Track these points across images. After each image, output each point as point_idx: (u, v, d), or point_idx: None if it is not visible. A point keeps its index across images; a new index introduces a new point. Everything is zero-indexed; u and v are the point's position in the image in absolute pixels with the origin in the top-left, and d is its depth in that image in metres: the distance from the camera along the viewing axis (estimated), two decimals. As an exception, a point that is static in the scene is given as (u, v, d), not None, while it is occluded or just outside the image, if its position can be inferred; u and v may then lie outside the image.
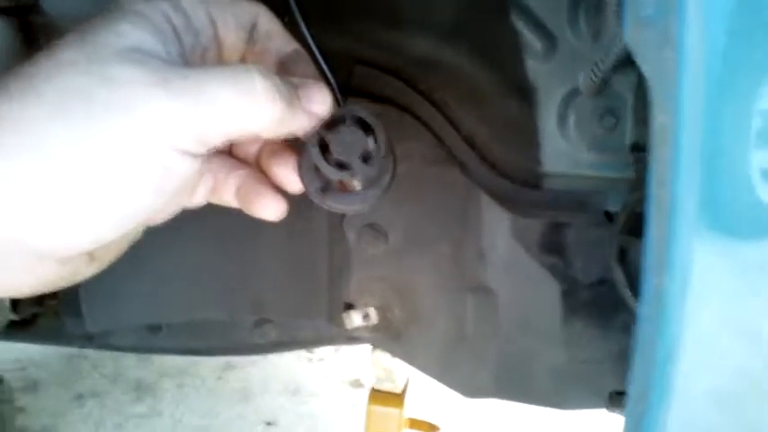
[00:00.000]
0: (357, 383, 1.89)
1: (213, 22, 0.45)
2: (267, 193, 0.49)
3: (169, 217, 0.48)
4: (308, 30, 0.49)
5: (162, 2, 0.42)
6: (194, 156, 0.40)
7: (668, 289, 0.38)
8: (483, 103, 0.76)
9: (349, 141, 0.46)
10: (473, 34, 0.73)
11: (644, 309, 0.41)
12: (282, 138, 0.45)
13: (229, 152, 0.51)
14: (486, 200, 0.76)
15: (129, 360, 1.98)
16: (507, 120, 0.75)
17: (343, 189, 0.50)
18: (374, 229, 0.78)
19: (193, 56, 0.43)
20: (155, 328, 0.98)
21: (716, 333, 0.47)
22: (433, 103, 0.77)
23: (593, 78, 0.64)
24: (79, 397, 1.86)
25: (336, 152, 0.46)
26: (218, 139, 0.40)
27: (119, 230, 0.40)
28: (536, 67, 0.71)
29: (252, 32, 0.48)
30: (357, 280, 0.80)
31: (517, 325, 0.77)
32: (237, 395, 1.88)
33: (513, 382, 0.78)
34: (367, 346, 0.91)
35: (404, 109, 0.77)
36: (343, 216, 0.79)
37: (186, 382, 1.93)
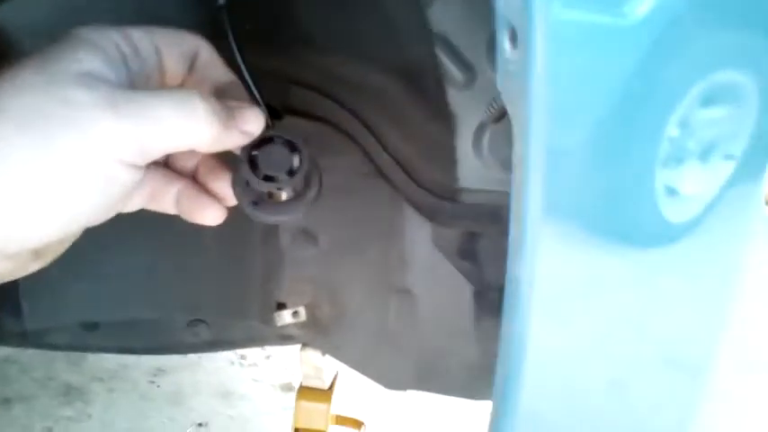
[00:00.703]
0: (288, 387, 1.93)
1: (158, 51, 0.52)
2: (206, 201, 0.55)
3: (106, 219, 0.53)
4: (244, 56, 0.56)
5: (113, 32, 0.49)
6: (137, 167, 0.46)
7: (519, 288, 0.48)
8: (407, 125, 0.83)
9: (276, 158, 0.53)
10: (398, 62, 0.81)
11: (505, 305, 0.50)
12: (218, 153, 0.52)
13: (166, 165, 0.57)
14: (409, 211, 0.84)
15: (60, 364, 1.97)
16: (429, 140, 0.83)
17: (273, 202, 0.57)
18: (306, 234, 0.85)
19: (139, 80, 0.50)
20: (90, 327, 1.01)
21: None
22: (363, 123, 0.85)
23: (490, 110, 0.72)
24: (6, 401, 1.84)
25: (264, 167, 0.53)
26: (159, 153, 0.47)
27: (65, 230, 0.46)
28: (456, 95, 0.78)
29: (193, 62, 0.54)
30: (289, 281, 0.87)
31: (435, 323, 0.84)
32: (169, 399, 1.89)
33: (431, 375, 0.86)
34: (297, 352, 0.97)
35: (336, 127, 0.84)
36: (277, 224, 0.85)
37: (117, 387, 1.93)
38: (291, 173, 0.54)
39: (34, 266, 0.50)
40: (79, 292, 0.92)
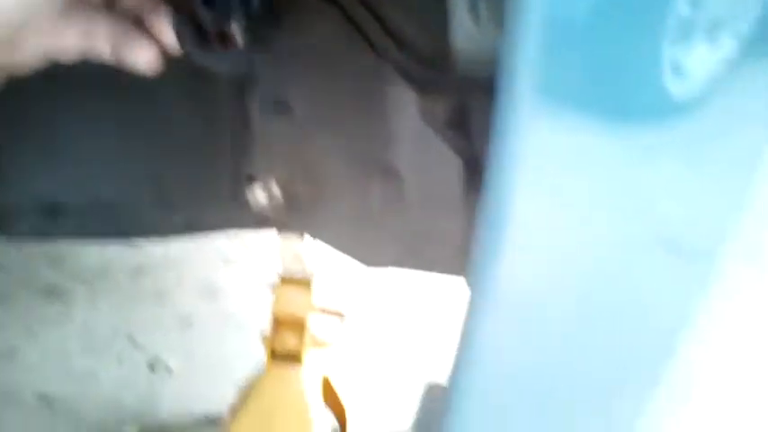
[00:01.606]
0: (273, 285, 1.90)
1: None
2: (140, 40, 0.49)
3: (32, 56, 0.48)
4: None
5: None
6: None
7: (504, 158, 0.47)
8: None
9: None
10: None
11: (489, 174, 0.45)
12: None
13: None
14: (396, 81, 0.76)
15: (41, 262, 1.93)
16: (420, 2, 0.74)
17: (224, 47, 0.49)
18: (279, 104, 0.77)
19: None
20: (55, 211, 0.95)
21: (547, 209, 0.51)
22: None
23: None
24: (-15, 299, 1.81)
25: None
26: None
27: None
28: None
29: None
30: (260, 155, 0.80)
31: (422, 202, 0.78)
32: (152, 297, 1.86)
33: (416, 252, 0.81)
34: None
35: None
36: (245, 89, 0.77)
37: (99, 287, 1.90)
38: (247, 6, 0.46)
39: None
40: (36, 169, 0.85)
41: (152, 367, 1.67)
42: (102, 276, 1.93)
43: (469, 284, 0.54)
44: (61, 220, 0.95)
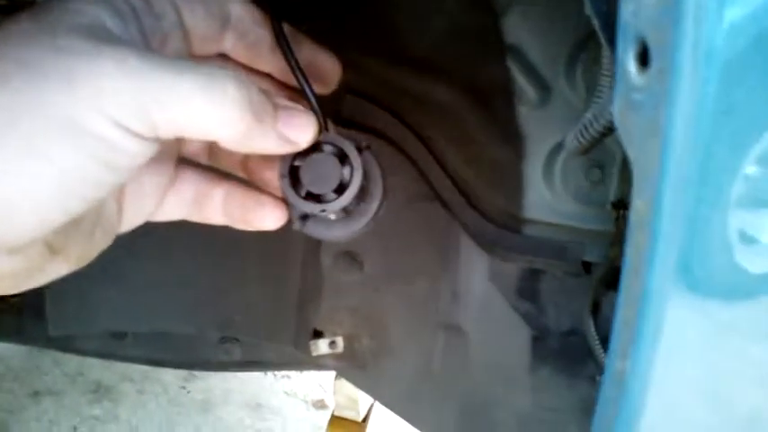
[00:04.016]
0: (321, 404, 1.87)
1: (176, 8, 0.42)
2: (264, 199, 0.46)
3: (134, 224, 0.46)
4: (294, 54, 0.45)
5: None
6: (143, 139, 0.37)
7: (636, 348, 0.38)
8: (471, 144, 0.76)
9: (322, 171, 0.44)
10: (467, 75, 0.73)
11: (611, 365, 0.40)
12: (250, 153, 0.43)
13: (209, 164, 0.49)
14: (465, 239, 0.76)
15: (92, 360, 1.94)
16: (494, 163, 0.75)
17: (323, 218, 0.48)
18: (350, 257, 0.77)
19: (154, 39, 0.41)
20: (119, 336, 0.96)
21: (682, 398, 0.47)
22: (421, 140, 0.77)
23: (580, 140, 0.64)
24: (36, 394, 1.82)
25: (307, 182, 0.44)
26: (171, 129, 0.38)
27: (65, 210, 0.37)
28: (527, 115, 0.71)
29: (225, 23, 0.45)
30: (328, 307, 0.80)
31: (485, 367, 0.76)
32: (198, 406, 1.85)
33: (477, 423, 0.77)
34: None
35: (391, 142, 0.77)
36: (319, 241, 0.78)
37: (147, 389, 1.90)
38: (341, 189, 0.44)
39: (56, 267, 0.42)
40: (108, 301, 0.87)
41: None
42: (151, 378, 1.93)
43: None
44: (122, 344, 0.97)
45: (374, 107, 0.77)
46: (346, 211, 0.47)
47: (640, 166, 0.25)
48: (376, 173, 0.48)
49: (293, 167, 0.44)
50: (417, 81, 0.74)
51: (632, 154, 0.25)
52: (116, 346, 0.97)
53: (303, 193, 0.44)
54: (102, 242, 0.45)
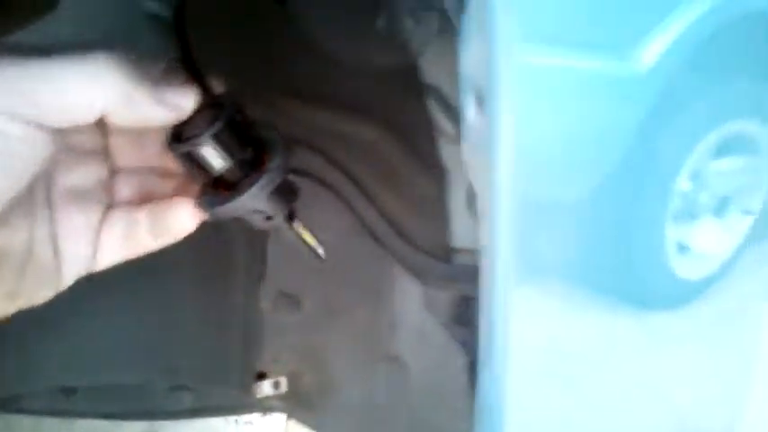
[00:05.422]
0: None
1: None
2: (174, 199, 0.47)
3: (74, 272, 0.46)
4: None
5: None
6: (39, 127, 0.39)
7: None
8: (398, 179, 0.79)
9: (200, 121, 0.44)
10: (389, 113, 0.77)
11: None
12: (139, 127, 0.44)
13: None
14: (399, 271, 0.79)
15: (50, 422, 1.90)
16: (420, 196, 0.78)
17: (228, 188, 0.46)
18: (288, 298, 0.79)
19: None
20: (69, 391, 0.96)
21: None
22: (351, 178, 0.80)
23: None
24: (-7, 462, 1.77)
25: (187, 131, 0.44)
26: (58, 108, 0.39)
27: None
28: (448, 149, 0.75)
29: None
30: (271, 348, 0.81)
31: (427, 395, 0.78)
32: (159, 459, 1.81)
33: None
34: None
35: (323, 183, 0.80)
36: (258, 285, 0.80)
37: (109, 446, 1.86)
38: (217, 136, 0.43)
39: None
40: (51, 357, 0.86)
41: None
42: (113, 436, 1.89)
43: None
44: (75, 400, 0.96)
45: (302, 149, 0.80)
46: (243, 172, 0.46)
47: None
48: (266, 133, 0.48)
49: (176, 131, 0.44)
50: (344, 123, 0.78)
51: (479, 191, 0.28)
52: (66, 403, 0.97)
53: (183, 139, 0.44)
54: (37, 286, 0.44)
